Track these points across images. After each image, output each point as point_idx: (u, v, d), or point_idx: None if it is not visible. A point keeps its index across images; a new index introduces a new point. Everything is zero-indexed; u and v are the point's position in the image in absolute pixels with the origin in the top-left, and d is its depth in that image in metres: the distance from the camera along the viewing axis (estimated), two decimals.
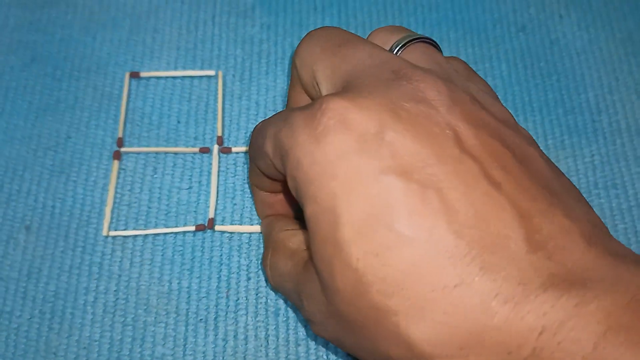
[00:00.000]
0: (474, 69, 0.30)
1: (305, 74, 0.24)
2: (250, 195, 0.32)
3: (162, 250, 0.31)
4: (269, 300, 0.30)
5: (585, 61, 0.37)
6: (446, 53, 0.36)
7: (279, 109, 0.35)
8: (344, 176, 0.19)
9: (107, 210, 0.31)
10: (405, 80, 0.21)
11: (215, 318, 0.29)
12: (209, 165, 0.33)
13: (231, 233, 0.31)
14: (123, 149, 0.33)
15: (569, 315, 0.18)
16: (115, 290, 0.30)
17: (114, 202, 0.32)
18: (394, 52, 0.24)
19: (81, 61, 0.36)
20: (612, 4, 0.39)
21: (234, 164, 0.33)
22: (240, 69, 0.36)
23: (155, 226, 0.31)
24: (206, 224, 0.31)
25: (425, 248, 0.19)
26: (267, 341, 0.29)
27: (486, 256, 0.18)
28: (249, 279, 0.30)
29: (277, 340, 0.29)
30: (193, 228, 0.31)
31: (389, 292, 0.19)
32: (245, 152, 0.33)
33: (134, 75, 0.35)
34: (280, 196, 0.29)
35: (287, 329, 0.29)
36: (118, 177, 0.32)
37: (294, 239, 0.26)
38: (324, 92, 0.23)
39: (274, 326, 0.29)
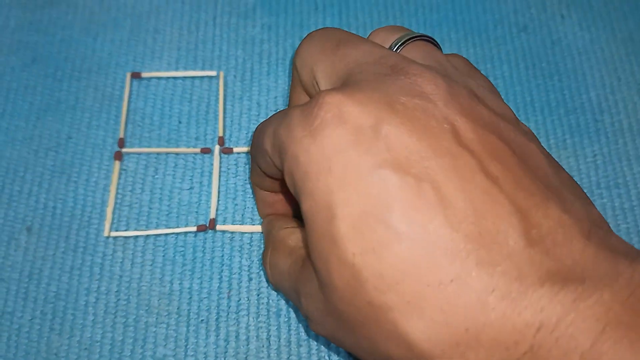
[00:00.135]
0: None
1: (305, 74, 0.24)
2: (251, 196, 0.32)
3: (164, 250, 0.31)
4: (270, 301, 0.30)
5: (587, 61, 0.37)
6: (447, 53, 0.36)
7: (280, 109, 0.35)
8: (339, 171, 0.19)
9: (108, 210, 0.31)
10: (403, 74, 0.21)
11: (217, 319, 0.29)
12: (210, 166, 0.33)
13: (232, 233, 0.31)
14: (124, 150, 0.33)
15: (567, 311, 0.17)
16: (116, 291, 0.30)
17: (115, 203, 0.32)
18: (394, 50, 0.24)
19: (82, 62, 0.36)
20: (612, 4, 0.39)
21: (235, 164, 0.33)
22: (242, 70, 0.36)
23: (157, 227, 0.31)
24: (207, 225, 0.31)
25: (420, 243, 0.18)
26: (269, 342, 0.29)
27: (482, 251, 0.18)
28: (250, 279, 0.30)
29: (279, 340, 0.29)
30: (194, 228, 0.31)
31: (384, 287, 0.19)
32: (246, 153, 0.33)
33: (135, 75, 0.35)
34: (281, 195, 0.29)
35: (289, 330, 0.29)
36: (119, 178, 0.32)
37: (293, 236, 0.26)
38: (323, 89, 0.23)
39: (276, 327, 0.29)
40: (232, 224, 0.31)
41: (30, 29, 0.37)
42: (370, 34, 0.25)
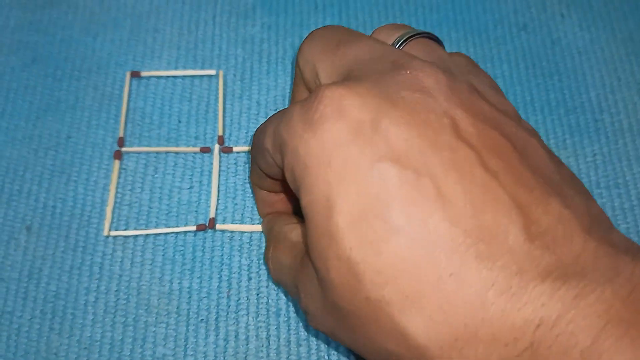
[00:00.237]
0: None
1: (307, 72, 0.24)
2: (251, 195, 0.32)
3: (163, 250, 0.31)
4: (270, 301, 0.29)
5: (587, 61, 0.37)
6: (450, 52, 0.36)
7: (280, 109, 0.35)
8: (338, 165, 0.19)
9: (108, 210, 0.31)
10: (404, 69, 0.21)
11: (216, 318, 0.29)
12: (209, 165, 0.33)
13: (232, 233, 0.31)
14: (124, 149, 0.33)
15: (567, 307, 0.17)
16: (116, 291, 0.30)
17: (115, 202, 0.32)
18: (396, 48, 0.24)
19: (82, 61, 0.36)
20: (612, 4, 0.39)
21: (235, 163, 0.33)
22: (241, 69, 0.36)
23: (156, 226, 0.31)
24: (207, 224, 0.31)
25: (419, 237, 0.18)
26: (269, 341, 0.29)
27: (482, 245, 0.18)
28: (250, 279, 0.30)
29: (279, 340, 0.29)
30: (194, 228, 0.31)
31: (382, 282, 0.19)
32: (246, 152, 0.33)
33: (135, 74, 0.35)
34: (281, 195, 0.29)
35: (289, 329, 0.29)
36: (119, 177, 0.32)
37: (295, 232, 0.26)
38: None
39: (275, 326, 0.29)
40: (232, 223, 0.31)
41: (30, 29, 0.37)
42: (373, 32, 0.25)
